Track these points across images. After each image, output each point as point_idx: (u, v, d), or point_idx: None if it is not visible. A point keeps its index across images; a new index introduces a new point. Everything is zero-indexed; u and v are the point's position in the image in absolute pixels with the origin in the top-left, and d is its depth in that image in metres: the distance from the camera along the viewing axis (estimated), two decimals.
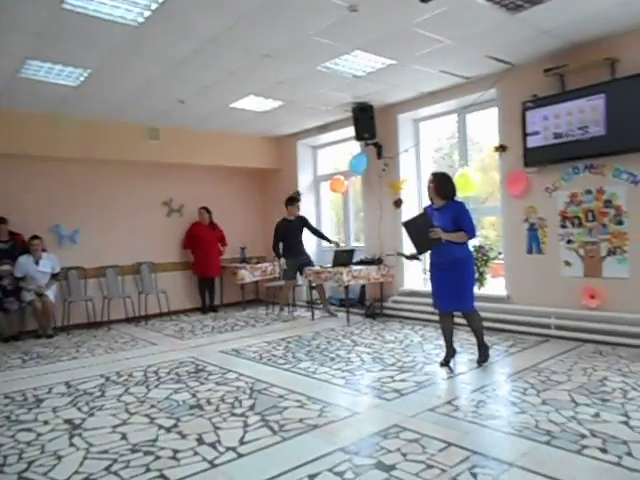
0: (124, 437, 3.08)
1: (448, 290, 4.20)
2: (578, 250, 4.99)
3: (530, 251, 5.36)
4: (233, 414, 3.38)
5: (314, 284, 7.12)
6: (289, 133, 8.36)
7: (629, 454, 2.51)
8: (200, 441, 2.95)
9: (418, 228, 4.22)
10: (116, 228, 7.45)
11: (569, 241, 5.05)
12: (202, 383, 4.15)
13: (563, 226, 5.09)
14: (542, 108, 5.00)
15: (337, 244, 7.16)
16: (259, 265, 8.25)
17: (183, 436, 3.04)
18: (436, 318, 6.06)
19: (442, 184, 4.26)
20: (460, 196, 5.78)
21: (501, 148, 5.59)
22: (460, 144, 6.42)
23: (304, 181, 8.55)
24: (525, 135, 5.16)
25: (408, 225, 4.35)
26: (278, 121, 7.43)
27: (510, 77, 5.42)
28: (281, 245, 7.30)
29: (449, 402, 3.39)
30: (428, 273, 6.48)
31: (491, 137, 5.91)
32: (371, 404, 3.45)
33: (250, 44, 4.48)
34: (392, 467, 2.47)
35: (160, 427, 3.21)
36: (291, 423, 3.14)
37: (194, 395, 3.83)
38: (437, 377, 3.99)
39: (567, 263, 5.07)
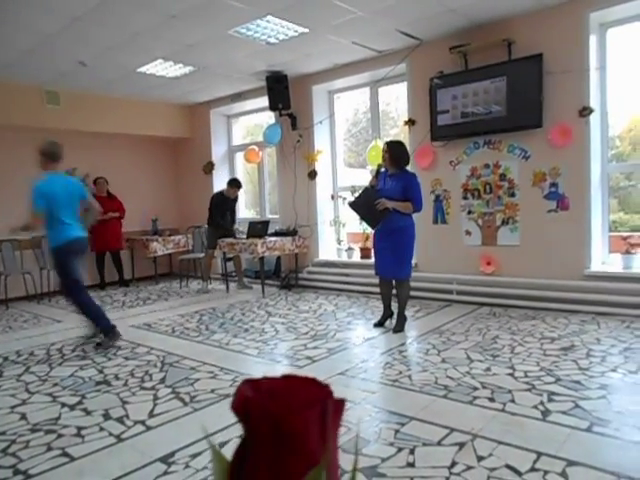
0: (23, 417, 2.93)
1: (388, 257, 4.34)
2: (477, 220, 5.35)
3: (436, 221, 5.67)
4: (142, 388, 3.31)
5: (229, 256, 7.06)
6: (202, 101, 8.08)
7: (512, 401, 2.80)
8: (106, 416, 2.88)
9: (364, 204, 4.30)
10: (12, 200, 6.85)
11: (470, 212, 5.40)
12: (110, 359, 4.02)
13: (465, 198, 5.42)
14: (452, 87, 5.21)
15: (233, 233, 7.05)
16: (172, 237, 8.01)
17: (88, 412, 2.95)
18: (349, 288, 6.35)
19: (396, 154, 4.33)
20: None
21: (410, 122, 5.80)
22: (372, 117, 6.56)
23: (218, 151, 8.35)
24: (436, 113, 5.36)
25: (354, 204, 4.44)
26: (190, 88, 7.14)
27: (419, 53, 5.59)
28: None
29: (358, 365, 3.55)
30: (344, 244, 6.70)
31: (405, 113, 6.09)
32: (284, 371, 3.50)
33: (154, 2, 4.23)
34: None
35: (63, 405, 3.08)
36: (203, 394, 3.14)
37: (101, 371, 3.71)
38: (349, 343, 4.16)
39: (468, 232, 5.42)
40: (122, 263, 7.72)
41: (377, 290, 4.84)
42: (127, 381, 3.46)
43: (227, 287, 7.04)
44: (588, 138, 4.61)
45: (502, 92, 4.87)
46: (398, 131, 9.83)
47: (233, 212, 7.25)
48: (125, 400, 3.11)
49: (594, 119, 4.63)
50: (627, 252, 4.57)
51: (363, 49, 5.71)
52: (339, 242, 6.81)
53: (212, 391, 3.19)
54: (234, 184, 7.05)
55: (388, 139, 8.81)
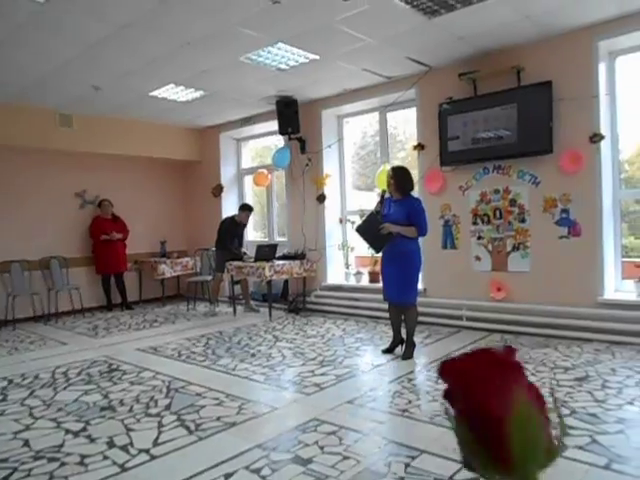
0: (26, 444, 2.88)
1: (394, 282, 4.32)
2: (487, 246, 5.30)
3: (445, 246, 5.63)
4: (147, 414, 3.26)
5: (236, 279, 7.03)
6: (212, 124, 8.17)
7: None
8: (110, 444, 2.82)
9: (369, 228, 4.35)
10: (23, 220, 6.92)
11: (479, 237, 5.35)
12: (115, 383, 3.97)
13: (474, 223, 5.39)
14: (462, 114, 5.22)
15: (241, 256, 7.02)
16: (180, 260, 8.02)
17: (92, 440, 2.90)
18: (358, 312, 6.29)
19: (401, 180, 4.36)
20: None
21: (420, 147, 5.81)
22: (381, 141, 6.59)
23: (227, 174, 8.40)
24: (447, 139, 5.36)
25: (360, 229, 4.48)
26: (200, 112, 7.23)
27: (428, 79, 5.63)
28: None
29: (366, 394, 3.48)
30: (353, 268, 6.67)
31: (413, 136, 6.12)
32: (290, 399, 3.46)
33: (170, 30, 4.31)
34: (309, 460, 2.50)
35: (67, 431, 3.04)
36: (208, 422, 3.08)
37: (106, 396, 3.66)
38: (357, 370, 4.09)
39: (477, 258, 5.37)
40: (125, 285, 7.70)
41: (386, 315, 4.80)
42: (132, 407, 3.41)
43: (234, 310, 7.00)
44: (599, 164, 4.59)
45: (513, 119, 4.87)
46: (405, 154, 9.85)
47: (241, 236, 7.26)
48: (130, 427, 3.06)
49: (605, 145, 4.62)
50: None
51: (372, 75, 5.77)
52: (347, 266, 6.78)
53: (218, 419, 3.12)
54: (246, 208, 7.09)
55: (396, 162, 8.83)
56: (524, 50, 4.89)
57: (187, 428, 3.01)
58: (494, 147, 5.02)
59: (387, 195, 4.44)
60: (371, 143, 8.34)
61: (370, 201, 6.83)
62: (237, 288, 7.26)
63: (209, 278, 7.57)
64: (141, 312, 7.37)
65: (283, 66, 5.34)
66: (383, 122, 6.50)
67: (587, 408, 3.04)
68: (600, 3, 4.10)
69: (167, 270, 7.78)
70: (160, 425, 3.07)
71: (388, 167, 5.97)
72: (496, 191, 5.22)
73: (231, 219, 7.12)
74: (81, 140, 7.06)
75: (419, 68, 5.55)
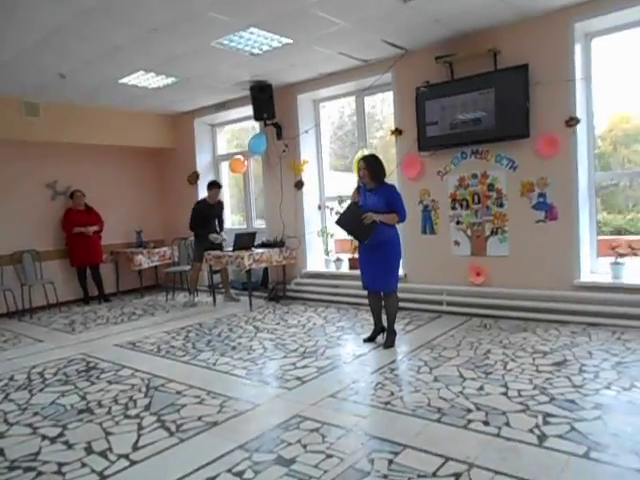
0: (1, 452, 2.80)
1: (375, 270, 4.29)
2: (466, 230, 5.31)
3: (424, 231, 5.62)
4: (126, 416, 3.20)
5: (215, 269, 6.94)
6: (186, 111, 7.96)
7: (507, 424, 2.74)
8: (89, 450, 2.76)
9: (350, 220, 4.26)
10: None
11: (458, 222, 5.36)
12: (93, 383, 3.89)
13: (453, 208, 5.38)
14: (440, 99, 5.15)
15: (215, 239, 6.88)
16: (157, 250, 7.87)
17: (70, 446, 2.83)
18: (338, 299, 6.28)
19: (374, 169, 4.28)
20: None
21: (397, 132, 5.75)
22: (359, 126, 6.50)
23: (203, 161, 8.23)
24: (425, 124, 5.30)
25: (341, 221, 4.38)
26: (173, 98, 7.03)
27: (404, 62, 5.54)
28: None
29: (349, 386, 3.47)
30: (332, 254, 6.62)
31: (391, 116, 6.02)
32: (273, 394, 3.43)
33: (134, 16, 4.12)
34: (292, 461, 2.48)
35: (44, 437, 2.96)
36: (189, 422, 3.04)
37: (83, 397, 3.58)
38: (339, 361, 4.07)
39: (456, 243, 5.38)
40: (102, 277, 7.54)
41: (366, 302, 4.78)
42: (110, 409, 3.34)
43: (214, 300, 6.92)
44: (575, 148, 4.60)
45: (490, 103, 4.84)
46: (384, 134, 9.78)
47: (221, 220, 7.09)
48: (108, 431, 2.99)
49: (580, 129, 4.62)
50: (616, 262, 4.56)
51: (348, 59, 5.66)
52: (327, 253, 6.74)
53: (199, 418, 3.08)
54: (214, 186, 6.93)
55: (374, 142, 8.72)
56: (500, 32, 4.84)
57: (167, 429, 2.96)
58: (472, 132, 4.99)
59: (361, 185, 4.37)
60: (348, 123, 8.23)
61: (348, 186, 6.79)
62: (217, 277, 7.18)
63: (187, 268, 7.47)
64: (119, 304, 7.24)
65: (256, 51, 5.19)
66: (360, 106, 6.40)
67: (565, 394, 3.08)
68: None
69: (144, 261, 7.63)
70: (140, 427, 3.01)
71: (366, 152, 5.94)
72: (474, 176, 5.21)
73: (203, 202, 6.98)
74: (49, 129, 6.82)
75: (395, 51, 5.46)
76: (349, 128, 8.20)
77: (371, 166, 4.28)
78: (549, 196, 4.76)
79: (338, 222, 4.44)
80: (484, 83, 4.88)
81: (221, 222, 7.09)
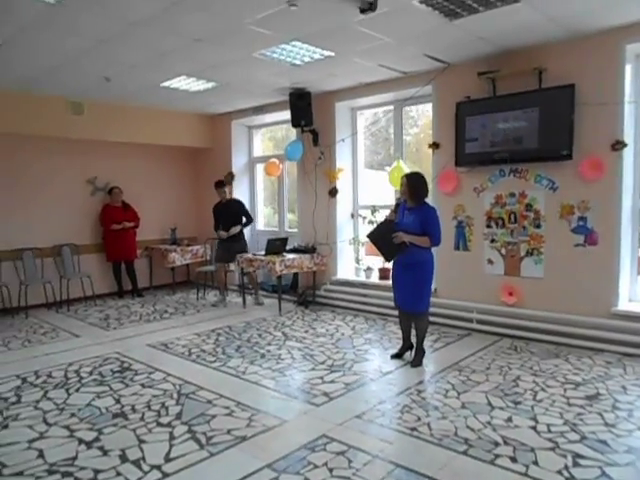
0: (41, 454, 2.93)
1: (406, 290, 4.30)
2: (500, 249, 5.24)
3: (457, 247, 5.57)
4: (159, 424, 3.30)
5: (247, 270, 7.04)
6: (224, 112, 8.07)
7: (535, 462, 2.72)
8: (123, 458, 2.87)
9: (382, 236, 4.27)
10: (34, 208, 6.95)
11: (493, 240, 5.29)
12: (127, 385, 4.02)
13: (488, 226, 5.31)
14: (481, 115, 5.08)
15: (220, 236, 6.99)
16: (190, 248, 8.04)
17: (105, 452, 2.94)
18: (367, 308, 6.30)
19: (416, 188, 4.26)
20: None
21: (434, 145, 5.69)
22: (396, 136, 6.46)
23: (239, 162, 8.34)
24: (464, 140, 5.24)
25: (372, 236, 4.40)
26: (212, 100, 7.13)
27: (445, 76, 5.48)
28: None
29: (375, 407, 3.49)
30: (363, 263, 6.63)
31: (426, 113, 5.85)
32: (300, 410, 3.48)
33: (181, 29, 4.21)
34: None
35: (80, 441, 3.08)
36: (219, 434, 3.12)
37: (118, 401, 3.71)
38: (366, 377, 4.09)
39: (490, 261, 5.31)
40: (136, 273, 7.74)
41: (395, 313, 4.81)
42: (144, 415, 3.45)
43: (244, 301, 7.03)
44: (620, 173, 4.47)
45: (533, 122, 4.74)
46: (418, 130, 9.66)
47: (234, 217, 6.97)
48: (142, 438, 3.10)
49: (627, 153, 4.49)
50: None
51: (388, 70, 5.63)
52: (358, 261, 6.75)
53: (228, 432, 3.16)
54: (218, 185, 7.04)
55: (408, 139, 8.55)
56: (547, 51, 4.73)
57: (198, 441, 3.04)
58: (513, 150, 4.90)
59: (402, 201, 4.36)
60: (382, 119, 8.16)
61: (381, 192, 6.77)
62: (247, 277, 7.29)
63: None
64: (151, 300, 7.43)
65: (297, 62, 5.22)
66: (398, 117, 6.36)
67: (597, 434, 3.03)
68: (628, 6, 3.93)
69: (177, 258, 7.81)
70: (171, 437, 3.11)
71: (402, 164, 5.92)
72: (512, 194, 5.12)
73: (218, 202, 7.12)
74: (92, 128, 7.01)
75: (436, 64, 5.40)
76: (383, 124, 8.11)
77: (412, 185, 4.25)
78: (590, 220, 4.65)
79: (370, 235, 4.46)
80: (528, 101, 4.78)
81: (239, 220, 7.01)
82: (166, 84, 6.10)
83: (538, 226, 4.97)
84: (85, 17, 3.91)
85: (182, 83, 6.09)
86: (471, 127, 5.17)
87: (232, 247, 6.98)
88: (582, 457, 2.76)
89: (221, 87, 6.29)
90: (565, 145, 4.60)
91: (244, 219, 7.09)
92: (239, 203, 7.22)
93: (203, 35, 4.38)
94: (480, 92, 5.17)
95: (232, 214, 7.05)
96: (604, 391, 3.69)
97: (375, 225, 4.69)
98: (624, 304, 4.60)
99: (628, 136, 4.47)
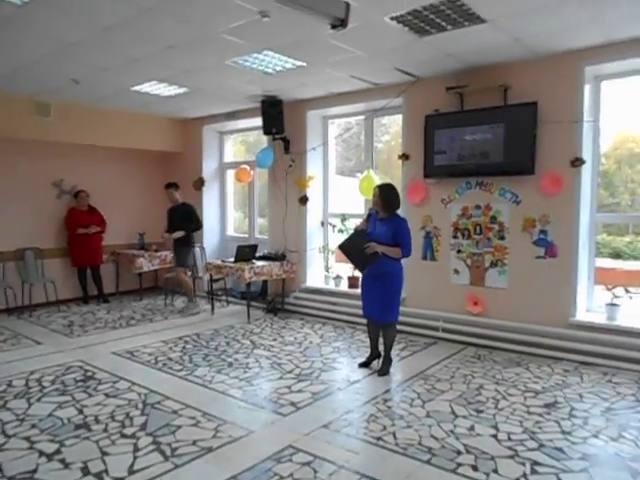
0: None
1: (376, 301, 4.34)
2: (466, 260, 5.37)
3: (425, 257, 5.68)
4: (123, 435, 3.26)
5: (215, 277, 7.00)
6: (195, 117, 8.02)
7: (495, 471, 2.80)
8: (85, 471, 2.82)
9: (354, 246, 4.29)
10: None
11: (459, 251, 5.42)
12: (90, 395, 3.94)
13: (455, 236, 5.44)
14: (450, 129, 5.21)
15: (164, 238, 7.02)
16: (158, 253, 7.92)
17: (66, 465, 2.89)
18: (335, 316, 6.35)
19: (388, 200, 4.31)
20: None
21: (404, 157, 5.80)
22: (367, 146, 6.55)
23: (209, 167, 8.30)
24: (433, 152, 5.35)
25: (344, 247, 4.40)
26: (184, 105, 7.09)
27: (415, 89, 5.60)
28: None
29: (342, 417, 3.53)
30: (332, 271, 6.67)
31: (397, 120, 5.94)
32: (267, 420, 3.49)
33: (154, 35, 4.19)
34: None
35: (41, 454, 3.02)
36: (184, 446, 3.10)
37: (81, 411, 3.63)
38: (333, 387, 4.13)
39: (456, 271, 5.44)
40: (102, 278, 7.59)
41: (363, 321, 4.86)
42: (107, 425, 3.39)
43: (212, 308, 6.98)
44: (579, 188, 4.66)
45: (499, 137, 4.89)
46: (390, 138, 9.78)
47: (181, 221, 6.86)
48: (105, 450, 3.05)
49: (585, 170, 4.68)
50: (611, 303, 4.62)
51: (359, 81, 5.71)
52: (327, 269, 6.80)
53: (194, 443, 3.14)
54: (166, 187, 7.05)
55: (380, 146, 8.62)
56: (512, 69, 4.89)
57: (163, 453, 3.01)
58: (480, 164, 5.04)
59: (373, 212, 4.41)
60: (355, 126, 8.25)
61: (351, 200, 6.84)
62: (217, 285, 7.24)
63: (188, 274, 7.51)
64: (118, 307, 7.30)
65: (270, 70, 5.25)
66: (369, 128, 6.46)
67: (554, 441, 3.14)
68: (588, 30, 4.11)
69: (145, 264, 7.69)
70: (136, 448, 3.07)
71: (373, 173, 6.01)
72: (477, 207, 5.27)
73: (172, 206, 7.11)
74: (59, 130, 6.87)
75: (407, 78, 5.52)
76: (355, 131, 8.18)
77: (385, 197, 4.31)
78: (550, 233, 4.82)
79: (341, 246, 4.48)
80: (494, 117, 4.94)
81: (181, 223, 6.86)
82: (137, 88, 6.04)
83: (502, 238, 5.12)
84: (54, 20, 3.85)
85: (153, 88, 6.03)
86: (440, 140, 5.29)
87: (175, 252, 6.99)
88: (539, 464, 2.86)
89: (193, 93, 6.26)
90: (528, 160, 4.77)
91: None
92: (188, 208, 7.06)
93: (176, 42, 4.37)
94: (448, 106, 5.31)
95: (179, 218, 6.93)
96: (562, 399, 3.82)
97: (347, 235, 4.73)
98: (581, 314, 4.78)
99: (586, 153, 4.66)
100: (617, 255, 8.00)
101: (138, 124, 7.74)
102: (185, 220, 6.92)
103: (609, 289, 4.70)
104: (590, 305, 4.91)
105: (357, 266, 4.45)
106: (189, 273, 7.24)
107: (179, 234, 6.83)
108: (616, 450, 3.04)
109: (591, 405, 3.71)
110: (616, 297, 4.65)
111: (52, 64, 5.02)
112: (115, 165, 8.04)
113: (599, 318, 4.69)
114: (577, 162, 4.62)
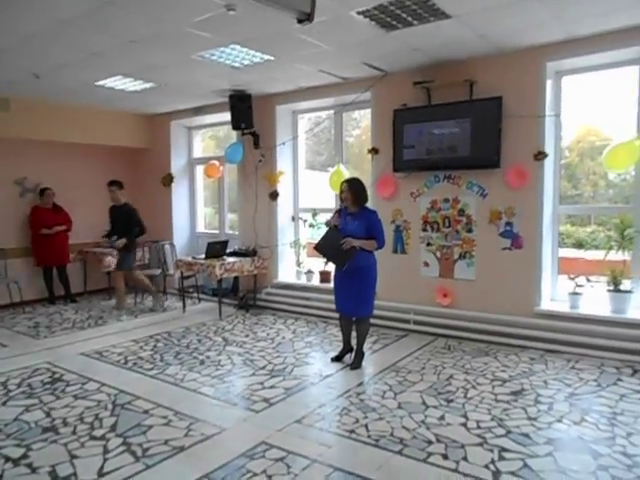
0: None
1: (350, 295, 4.35)
2: (435, 252, 5.45)
3: (395, 251, 5.74)
4: (92, 437, 3.20)
5: (186, 275, 6.92)
6: (162, 112, 7.88)
7: (465, 458, 2.87)
8: (53, 475, 2.76)
9: (330, 244, 4.26)
10: None
11: (428, 244, 5.49)
12: (58, 397, 3.86)
13: (424, 229, 5.52)
14: (418, 124, 5.26)
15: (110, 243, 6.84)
16: None
17: (33, 470, 2.82)
18: (308, 311, 6.36)
19: (357, 193, 4.31)
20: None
21: (374, 151, 5.84)
22: (336, 141, 6.56)
23: (178, 163, 8.18)
24: (402, 147, 5.40)
25: (320, 246, 4.37)
26: (150, 101, 6.95)
27: (384, 83, 5.63)
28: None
29: (315, 411, 3.55)
30: (304, 266, 6.67)
31: (367, 115, 5.99)
32: (240, 417, 3.48)
33: (116, 29, 4.09)
34: None
35: (7, 459, 2.94)
36: (155, 445, 3.07)
37: (48, 414, 3.55)
38: (306, 381, 4.14)
39: (426, 264, 5.52)
40: (69, 278, 7.41)
41: (336, 316, 4.89)
42: (76, 428, 3.33)
43: (184, 306, 6.90)
44: (542, 181, 4.78)
45: (466, 132, 4.97)
46: (360, 132, 9.81)
47: (119, 221, 6.70)
48: (73, 453, 2.99)
49: (548, 163, 4.81)
50: (574, 292, 4.77)
51: (328, 76, 5.71)
52: (299, 264, 6.80)
53: (165, 442, 3.11)
54: (108, 185, 6.74)
55: (351, 140, 8.65)
56: (477, 64, 4.97)
57: (133, 454, 2.98)
58: (448, 158, 5.12)
59: (342, 207, 4.42)
60: (326, 120, 8.24)
61: (323, 195, 6.85)
62: (188, 282, 7.17)
63: (158, 272, 7.41)
64: (86, 306, 7.14)
65: (237, 64, 5.19)
66: (338, 122, 6.47)
67: (521, 427, 3.24)
68: (549, 27, 4.21)
69: (113, 262, 7.52)
70: (105, 450, 3.02)
71: (343, 168, 6.03)
72: (446, 200, 5.35)
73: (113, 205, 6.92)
74: (20, 125, 6.65)
75: (375, 72, 5.54)
76: (326, 125, 8.19)
77: (355, 191, 4.31)
78: (516, 225, 4.94)
79: (317, 247, 4.44)
80: (460, 112, 5.01)
81: (131, 229, 6.66)
82: (101, 83, 5.89)
83: (470, 230, 5.22)
84: (10, 12, 3.71)
85: (118, 83, 5.90)
86: (408, 134, 5.34)
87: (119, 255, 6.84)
88: (507, 450, 2.94)
89: (159, 88, 6.15)
90: (493, 154, 4.86)
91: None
92: (130, 211, 6.78)
93: (139, 36, 4.28)
94: (416, 101, 5.36)
95: (121, 221, 6.73)
96: (528, 386, 3.94)
97: (318, 230, 4.72)
98: (546, 303, 4.92)
99: (549, 147, 4.78)
100: (580, 245, 8.26)
101: (103, 120, 7.56)
102: (126, 223, 6.66)
103: (572, 278, 4.84)
104: (554, 294, 5.06)
105: (336, 264, 4.39)
106: (138, 272, 7.00)
107: (122, 242, 6.64)
108: (579, 434, 3.15)
109: (555, 391, 3.83)
110: (578, 286, 4.79)
111: (10, 57, 4.85)
112: (80, 162, 7.84)
113: (563, 307, 4.83)
114: (540, 156, 4.74)
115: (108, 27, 4.04)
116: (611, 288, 4.61)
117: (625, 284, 4.63)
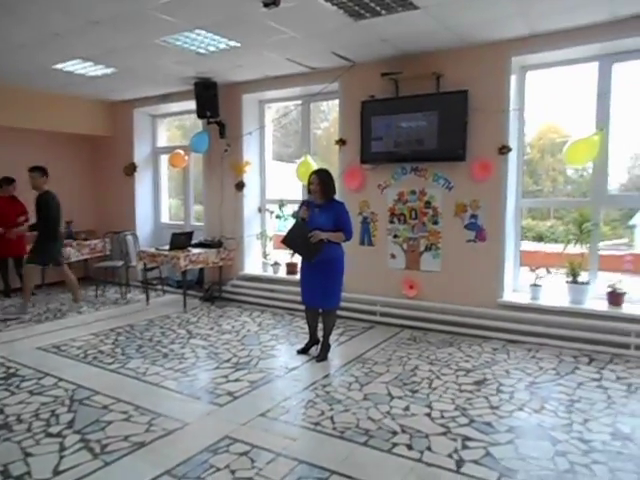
0: None
1: (317, 288, 4.31)
2: (402, 244, 5.48)
3: (362, 243, 5.74)
4: (48, 434, 3.08)
5: (149, 266, 6.75)
6: (125, 99, 7.63)
7: (429, 448, 2.89)
8: (5, 474, 2.64)
9: (298, 238, 4.22)
10: None
11: (395, 236, 5.52)
12: (13, 393, 3.70)
13: (391, 221, 5.53)
14: (386, 116, 5.25)
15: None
16: (88, 242, 7.55)
17: None
18: (274, 303, 6.31)
19: (326, 185, 4.26)
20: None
21: (341, 142, 5.81)
22: (304, 131, 6.50)
23: (142, 152, 7.96)
24: (370, 139, 5.39)
25: (288, 240, 4.32)
26: (112, 87, 6.72)
27: (352, 74, 5.60)
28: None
29: (280, 404, 3.51)
30: (270, 258, 6.60)
31: (336, 107, 5.95)
32: (203, 411, 3.41)
33: (74, 8, 3.91)
34: None
35: None
36: (115, 442, 2.97)
37: (1, 411, 3.40)
38: (271, 375, 4.10)
39: (392, 256, 5.55)
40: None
41: (302, 308, 4.86)
42: (31, 425, 3.20)
43: (147, 298, 6.74)
44: (506, 175, 4.86)
45: (433, 124, 4.99)
46: (328, 125, 9.78)
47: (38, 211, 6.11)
48: (28, 451, 2.87)
49: (511, 157, 4.88)
50: (534, 284, 4.88)
51: (296, 65, 5.64)
52: (265, 256, 6.73)
53: (125, 438, 3.02)
54: (29, 171, 6.14)
55: (319, 132, 8.58)
56: (444, 57, 4.99)
57: (91, 451, 2.88)
58: (415, 151, 5.13)
59: (313, 201, 4.36)
60: (294, 112, 8.16)
61: (289, 186, 6.79)
62: (152, 274, 6.99)
63: (120, 263, 7.20)
64: (44, 299, 6.90)
65: (202, 51, 5.06)
66: (306, 113, 6.41)
67: (483, 416, 3.29)
68: (514, 22, 4.26)
69: (73, 254, 7.30)
70: (62, 448, 2.91)
71: (310, 159, 5.98)
72: (413, 192, 5.37)
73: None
74: None
75: (343, 62, 5.50)
76: (294, 116, 8.11)
77: (324, 182, 4.26)
78: (480, 218, 5.00)
79: (284, 241, 4.39)
80: (427, 104, 5.03)
81: (40, 216, 6.05)
82: (59, 67, 5.65)
83: (436, 222, 5.26)
84: None
85: (77, 67, 5.67)
86: (376, 127, 5.33)
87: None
88: (470, 439, 2.98)
89: (121, 73, 5.95)
90: (459, 147, 4.91)
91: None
92: (46, 198, 6.12)
93: (100, 17, 4.11)
94: (384, 92, 5.35)
95: (38, 209, 6.10)
96: (490, 376, 4.01)
97: (286, 223, 4.66)
98: (509, 295, 5.03)
99: (512, 141, 4.86)
100: (540, 238, 8.53)
101: (63, 106, 7.27)
102: (39, 213, 6.03)
103: (533, 270, 4.95)
104: (516, 285, 5.17)
105: (305, 257, 4.34)
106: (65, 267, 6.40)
107: (15, 233, 6.31)
108: (539, 421, 3.22)
109: (516, 380, 3.91)
110: (539, 278, 4.90)
111: None
112: (38, 150, 7.49)
113: (524, 298, 4.94)
114: (504, 150, 4.81)
115: (66, 5, 3.85)
116: (569, 280, 4.74)
117: (583, 276, 4.76)
